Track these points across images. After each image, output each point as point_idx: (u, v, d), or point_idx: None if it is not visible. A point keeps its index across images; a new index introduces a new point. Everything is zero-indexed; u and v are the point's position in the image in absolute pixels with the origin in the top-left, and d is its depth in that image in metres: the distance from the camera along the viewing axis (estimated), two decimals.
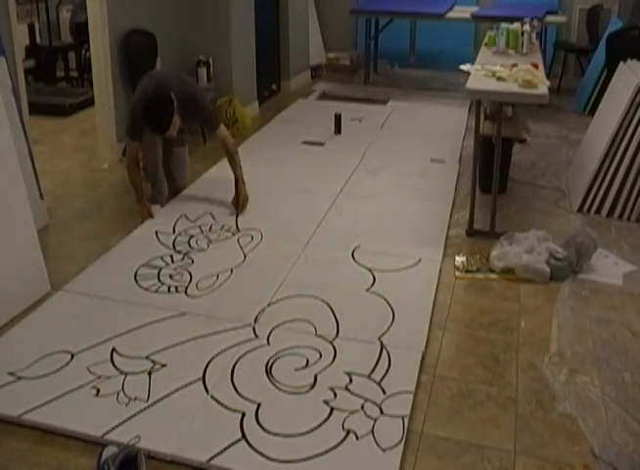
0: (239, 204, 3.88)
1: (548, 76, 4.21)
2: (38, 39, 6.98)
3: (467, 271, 3.28)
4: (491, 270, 3.28)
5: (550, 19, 6.34)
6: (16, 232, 2.93)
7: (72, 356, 2.56)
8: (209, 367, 2.50)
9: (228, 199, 3.93)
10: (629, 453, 2.15)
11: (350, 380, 2.44)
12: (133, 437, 2.15)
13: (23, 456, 2.12)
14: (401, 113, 6.11)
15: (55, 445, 2.16)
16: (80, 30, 6.09)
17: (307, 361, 2.55)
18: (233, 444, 2.14)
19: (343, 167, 4.63)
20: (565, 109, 6.28)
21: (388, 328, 2.78)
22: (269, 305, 2.94)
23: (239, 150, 4.02)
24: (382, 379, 2.45)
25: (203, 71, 5.44)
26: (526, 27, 4.63)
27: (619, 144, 3.89)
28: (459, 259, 3.38)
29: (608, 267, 3.36)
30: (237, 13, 5.55)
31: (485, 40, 4.99)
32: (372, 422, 2.24)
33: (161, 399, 2.34)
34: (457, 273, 3.27)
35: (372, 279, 3.17)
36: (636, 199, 3.88)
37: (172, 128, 3.58)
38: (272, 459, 2.08)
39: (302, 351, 2.61)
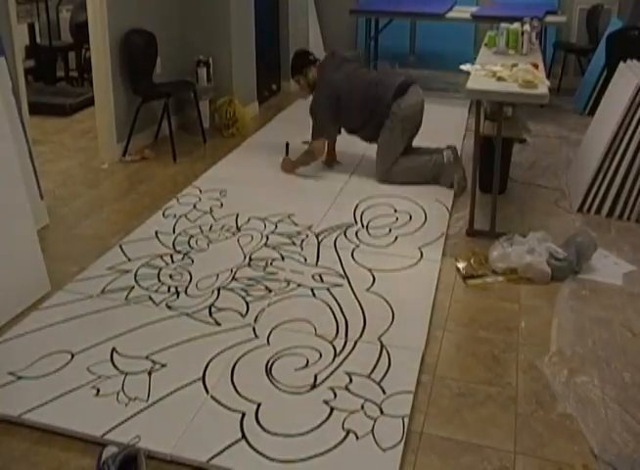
0: None
1: (548, 76, 4.21)
2: (38, 39, 6.98)
3: (474, 277, 3.23)
4: (495, 272, 3.26)
5: (550, 19, 6.33)
6: (16, 232, 2.93)
7: (72, 356, 2.56)
8: (209, 367, 2.50)
9: (229, 199, 3.92)
10: (629, 453, 2.15)
11: (350, 380, 2.44)
12: (133, 437, 2.15)
13: (23, 456, 2.12)
14: None
15: (55, 445, 2.16)
16: (80, 30, 6.08)
17: (307, 361, 2.55)
18: (233, 444, 2.14)
19: (343, 167, 4.63)
20: (565, 109, 6.28)
21: (388, 328, 2.78)
22: (269, 305, 2.94)
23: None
24: (382, 379, 2.45)
25: (203, 71, 5.44)
26: (526, 27, 4.62)
27: (619, 144, 3.89)
28: (461, 266, 3.33)
29: (608, 267, 3.36)
30: (237, 13, 5.55)
31: (485, 40, 4.98)
32: (372, 422, 2.24)
33: (161, 399, 2.34)
34: (471, 281, 3.19)
35: (372, 279, 3.17)
36: (636, 199, 3.88)
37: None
38: (272, 459, 2.08)
39: (302, 351, 2.62)
